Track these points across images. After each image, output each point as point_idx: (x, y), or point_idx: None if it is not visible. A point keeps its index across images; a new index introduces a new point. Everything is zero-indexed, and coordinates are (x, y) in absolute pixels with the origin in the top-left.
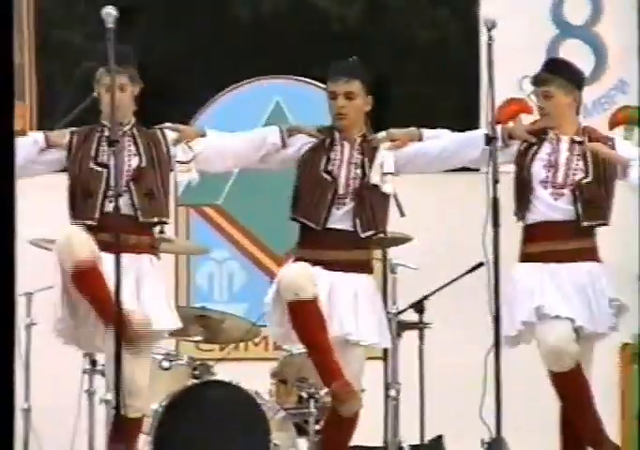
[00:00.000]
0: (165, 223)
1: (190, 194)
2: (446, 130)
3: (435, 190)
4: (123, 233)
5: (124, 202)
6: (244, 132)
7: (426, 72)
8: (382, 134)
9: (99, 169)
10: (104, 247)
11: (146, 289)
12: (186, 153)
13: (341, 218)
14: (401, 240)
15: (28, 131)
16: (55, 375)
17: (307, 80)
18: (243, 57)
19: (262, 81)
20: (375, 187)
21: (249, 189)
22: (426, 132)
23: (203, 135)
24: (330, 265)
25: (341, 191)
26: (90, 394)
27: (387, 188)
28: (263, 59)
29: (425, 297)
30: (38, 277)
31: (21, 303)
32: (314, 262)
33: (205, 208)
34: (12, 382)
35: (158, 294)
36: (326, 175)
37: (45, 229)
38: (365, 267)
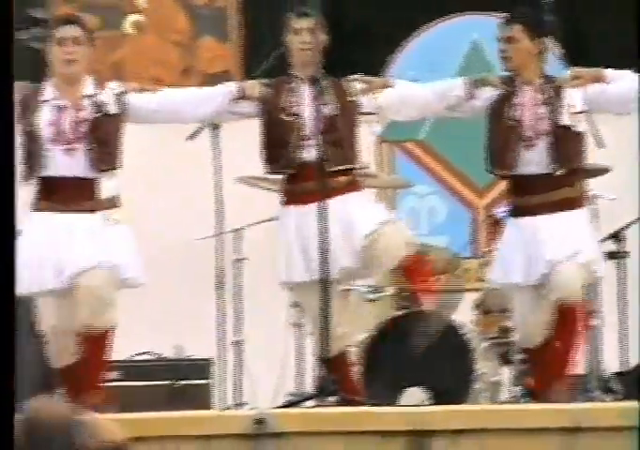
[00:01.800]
0: (355, 169)
1: (392, 131)
2: (628, 71)
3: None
4: (314, 181)
5: (314, 151)
6: (431, 83)
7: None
8: (567, 73)
9: (291, 119)
10: (302, 194)
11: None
12: (372, 103)
13: (531, 161)
14: (599, 171)
15: (232, 72)
16: (264, 308)
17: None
18: None
19: (458, 18)
20: (567, 126)
21: (450, 124)
22: (610, 73)
23: (389, 86)
24: (535, 210)
25: (528, 134)
26: (298, 327)
27: (579, 127)
28: None
29: (624, 227)
30: (246, 213)
31: (229, 239)
32: (523, 210)
33: (408, 144)
34: (12, 382)
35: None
36: (511, 122)
37: (252, 167)
38: (573, 204)
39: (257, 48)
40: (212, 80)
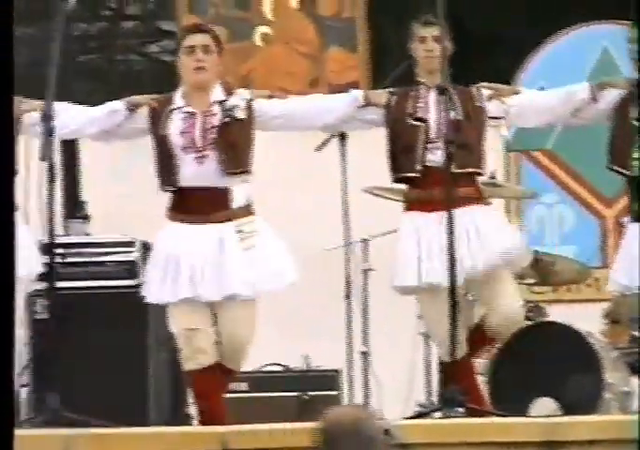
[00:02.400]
0: (479, 174)
1: (520, 140)
2: None
3: None
4: (439, 187)
5: (440, 154)
6: (555, 89)
7: None
8: None
9: (417, 123)
10: (425, 201)
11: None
12: (499, 108)
13: None
14: None
15: (360, 83)
16: (391, 318)
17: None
18: (564, 4)
19: (585, 27)
20: None
21: (577, 133)
22: None
23: (517, 92)
24: None
25: None
26: (426, 337)
27: None
28: (585, 4)
29: None
30: (374, 223)
31: (358, 248)
32: None
33: (535, 153)
34: (12, 381)
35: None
36: (636, 122)
37: (378, 177)
38: None
39: (385, 59)
40: (340, 91)
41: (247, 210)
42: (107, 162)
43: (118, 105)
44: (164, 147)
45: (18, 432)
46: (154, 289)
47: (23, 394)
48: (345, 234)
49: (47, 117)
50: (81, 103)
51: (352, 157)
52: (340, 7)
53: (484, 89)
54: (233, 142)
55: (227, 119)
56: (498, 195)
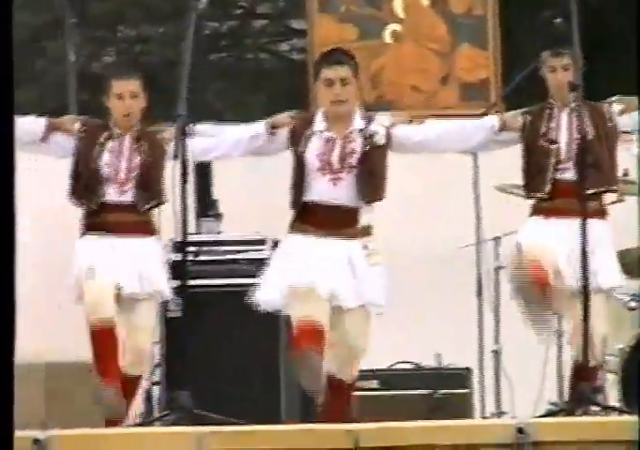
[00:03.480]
0: (607, 192)
1: None
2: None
3: None
4: (568, 198)
5: (570, 174)
6: None
7: None
8: None
9: (549, 145)
10: (552, 209)
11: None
12: (629, 121)
13: None
14: None
15: (491, 80)
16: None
17: None
18: None
19: None
20: None
21: None
22: None
23: None
24: None
25: None
26: (559, 336)
27: None
28: None
29: None
30: (505, 221)
31: (490, 246)
32: None
33: None
34: (11, 379)
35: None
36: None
37: (509, 175)
38: None
39: (515, 56)
40: (470, 88)
41: (369, 229)
42: (239, 161)
43: (260, 129)
44: (301, 166)
45: (150, 429)
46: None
47: (156, 392)
48: (477, 232)
49: (180, 116)
50: (212, 102)
51: (483, 155)
52: (471, 4)
53: (616, 104)
54: (371, 170)
55: (367, 147)
56: (631, 192)
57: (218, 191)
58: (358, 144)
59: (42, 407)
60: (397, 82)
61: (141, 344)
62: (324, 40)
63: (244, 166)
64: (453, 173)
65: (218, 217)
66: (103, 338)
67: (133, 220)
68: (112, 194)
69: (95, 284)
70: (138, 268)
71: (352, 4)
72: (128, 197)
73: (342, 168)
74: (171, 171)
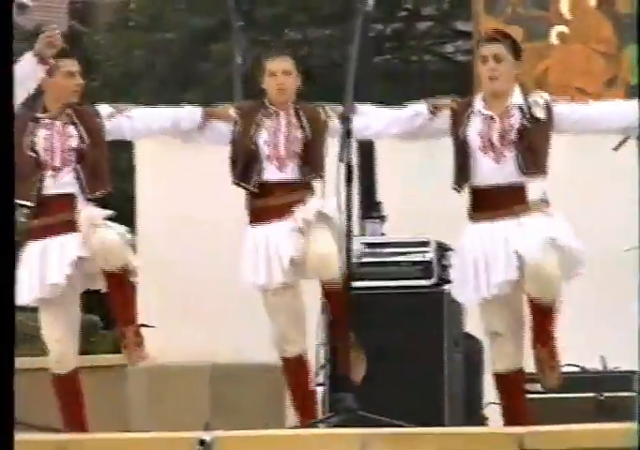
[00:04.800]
0: None
1: None
2: None
3: None
4: None
5: None
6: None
7: None
8: None
9: None
10: None
11: None
12: None
13: None
14: None
15: None
16: None
17: None
18: None
19: None
20: None
21: None
22: None
23: None
24: None
25: None
26: None
27: None
28: None
29: None
30: None
31: None
32: None
33: None
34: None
35: None
36: None
37: None
38: None
39: None
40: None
41: (541, 204)
42: (402, 163)
43: (421, 107)
44: (462, 148)
45: (315, 431)
46: (460, 290)
47: (320, 393)
48: None
49: (345, 119)
50: (376, 104)
51: None
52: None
53: None
54: (531, 144)
55: (525, 122)
56: None
57: (381, 193)
58: (516, 119)
59: (207, 408)
60: (562, 83)
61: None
62: None
63: (407, 167)
64: (617, 174)
65: (382, 218)
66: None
67: (295, 200)
68: (272, 172)
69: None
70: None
71: (518, 5)
72: (288, 174)
73: (503, 145)
74: (335, 172)
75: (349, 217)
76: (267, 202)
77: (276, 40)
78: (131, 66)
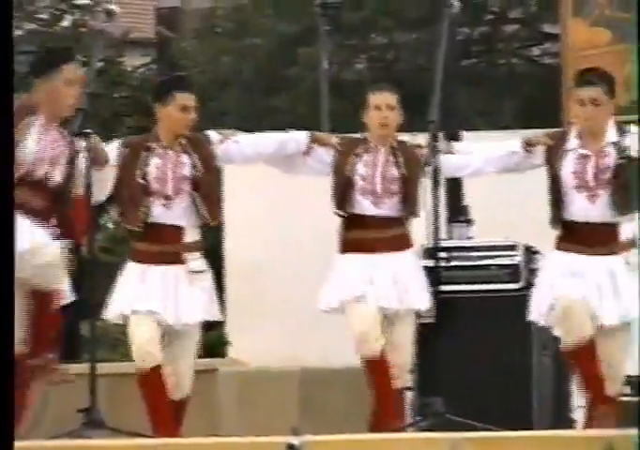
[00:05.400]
0: None
1: None
2: None
3: None
4: None
5: None
6: None
7: None
8: None
9: None
10: None
11: None
12: None
13: None
14: None
15: None
16: None
17: None
18: None
19: None
20: None
21: None
22: None
23: None
24: None
25: None
26: None
27: None
28: None
29: None
30: None
31: None
32: None
33: None
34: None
35: None
36: None
37: None
38: None
39: None
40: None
41: (633, 243)
42: None
43: (516, 145)
44: (556, 185)
45: (404, 435)
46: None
47: (409, 397)
48: None
49: (432, 123)
50: (463, 108)
51: None
52: None
53: None
54: (625, 183)
55: (621, 160)
56: None
57: (468, 196)
58: (611, 159)
59: (296, 412)
60: None
61: (400, 359)
62: (576, 44)
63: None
64: None
65: (469, 222)
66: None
67: (391, 235)
68: (368, 207)
69: (361, 309)
70: (397, 285)
71: (606, 7)
72: (384, 210)
73: (598, 185)
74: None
75: (436, 221)
76: (361, 235)
77: (377, 67)
78: (218, 72)
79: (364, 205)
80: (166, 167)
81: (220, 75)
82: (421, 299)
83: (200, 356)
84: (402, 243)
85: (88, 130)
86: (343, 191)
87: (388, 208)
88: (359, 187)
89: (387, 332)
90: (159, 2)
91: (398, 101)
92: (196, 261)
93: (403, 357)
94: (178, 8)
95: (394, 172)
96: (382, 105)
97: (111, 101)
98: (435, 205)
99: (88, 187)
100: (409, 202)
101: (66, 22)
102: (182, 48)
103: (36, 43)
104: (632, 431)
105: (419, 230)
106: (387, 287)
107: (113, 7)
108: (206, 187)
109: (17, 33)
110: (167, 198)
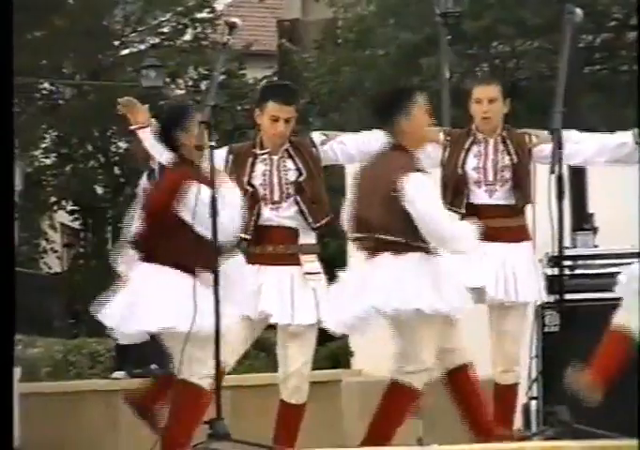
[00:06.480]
0: None
1: None
2: None
3: None
4: None
5: None
6: None
7: None
8: None
9: None
10: None
11: None
12: None
13: None
14: None
15: None
16: None
17: None
18: None
19: None
20: None
21: None
22: None
23: None
24: None
25: None
26: None
27: None
28: None
29: None
30: None
31: None
32: None
33: None
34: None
35: None
36: None
37: None
38: None
39: None
40: None
41: None
42: (612, 174)
43: (628, 137)
44: None
45: (530, 444)
46: None
47: (533, 406)
48: None
49: (556, 131)
50: (586, 116)
51: None
52: None
53: None
54: None
55: None
56: None
57: (592, 204)
58: None
59: (419, 422)
60: None
61: (508, 350)
62: None
63: (618, 178)
64: None
65: (593, 230)
66: None
67: (507, 226)
68: (481, 196)
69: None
70: (507, 275)
71: None
72: (498, 199)
73: None
74: (547, 186)
75: (561, 230)
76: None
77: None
78: (340, 82)
79: (479, 196)
80: (272, 173)
81: (342, 86)
82: (533, 291)
83: (324, 367)
84: (517, 234)
85: (212, 143)
86: (457, 185)
87: (502, 197)
88: (473, 179)
89: (496, 323)
90: (282, 13)
91: (501, 93)
92: (312, 263)
93: (511, 347)
94: (299, 20)
95: (506, 160)
96: (483, 98)
97: (233, 114)
98: (560, 214)
99: None
100: (522, 189)
101: (187, 36)
102: (303, 59)
103: (159, 57)
104: None
105: (544, 238)
106: (500, 278)
107: (235, 19)
108: (310, 191)
109: (140, 47)
110: (275, 203)
